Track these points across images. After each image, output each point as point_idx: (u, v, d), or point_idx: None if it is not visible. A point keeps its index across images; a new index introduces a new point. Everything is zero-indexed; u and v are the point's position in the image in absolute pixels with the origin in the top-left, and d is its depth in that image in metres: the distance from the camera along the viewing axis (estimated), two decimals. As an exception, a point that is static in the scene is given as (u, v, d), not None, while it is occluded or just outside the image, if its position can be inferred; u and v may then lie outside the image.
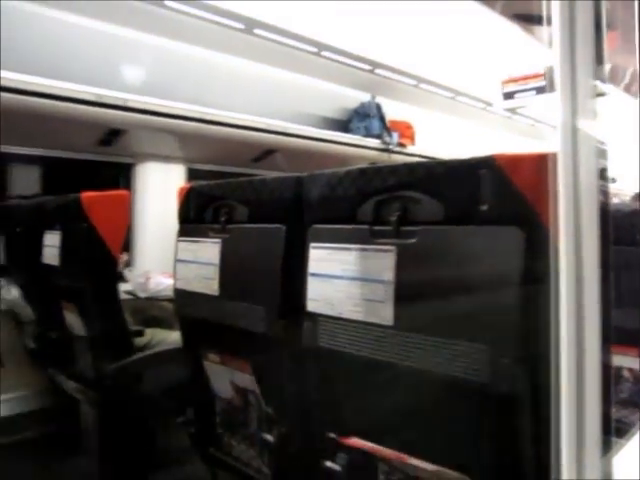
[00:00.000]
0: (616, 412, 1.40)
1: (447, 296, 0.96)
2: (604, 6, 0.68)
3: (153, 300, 2.57)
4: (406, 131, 4.30)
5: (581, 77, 0.66)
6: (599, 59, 0.68)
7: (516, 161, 0.89)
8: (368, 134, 4.03)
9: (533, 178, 0.85)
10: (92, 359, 2.04)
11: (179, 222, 1.61)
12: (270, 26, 3.18)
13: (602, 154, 0.69)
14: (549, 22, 0.68)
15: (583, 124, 0.66)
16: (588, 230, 0.65)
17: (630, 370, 1.45)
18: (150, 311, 2.57)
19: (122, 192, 2.09)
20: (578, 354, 0.65)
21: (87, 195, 1.93)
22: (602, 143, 0.69)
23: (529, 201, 0.86)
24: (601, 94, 0.68)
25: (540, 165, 0.81)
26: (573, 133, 0.66)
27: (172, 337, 2.13)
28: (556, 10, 0.67)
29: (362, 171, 1.11)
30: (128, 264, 3.05)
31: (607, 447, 0.67)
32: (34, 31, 2.56)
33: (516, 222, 0.87)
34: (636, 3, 0.63)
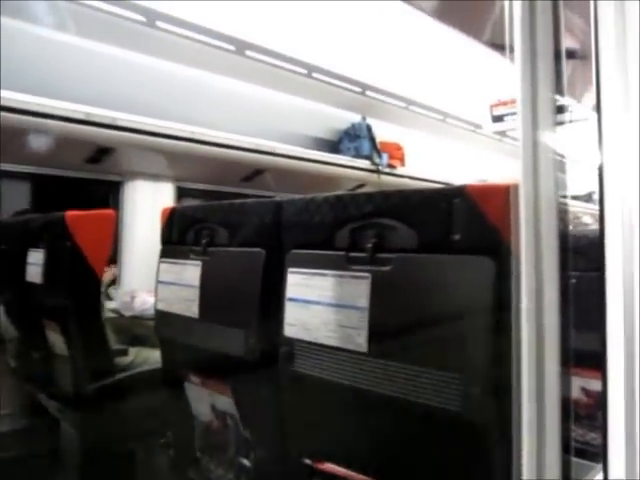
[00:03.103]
0: (599, 438, 1.39)
1: (420, 325, 0.96)
2: (563, 31, 0.70)
3: (138, 319, 2.56)
4: (396, 152, 4.32)
5: (542, 101, 0.68)
6: (559, 84, 0.70)
7: (487, 191, 0.90)
8: (358, 155, 4.05)
9: (504, 208, 0.86)
10: (73, 378, 2.02)
11: (162, 243, 1.61)
12: (261, 48, 3.22)
13: (562, 168, 0.70)
14: (511, 50, 0.70)
15: (544, 143, 0.67)
16: (547, 248, 0.67)
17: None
18: (135, 330, 2.55)
19: (107, 211, 2.09)
20: (538, 377, 0.66)
21: (71, 214, 1.93)
22: (563, 157, 0.70)
23: (500, 231, 0.87)
24: (561, 120, 0.70)
25: (511, 195, 0.82)
26: (534, 152, 0.67)
27: (156, 357, 2.12)
28: (517, 37, 0.69)
29: (339, 197, 1.12)
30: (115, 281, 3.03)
31: (568, 469, 0.68)
32: (22, 49, 2.57)
33: (487, 252, 0.88)
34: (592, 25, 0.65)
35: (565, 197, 0.70)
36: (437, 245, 0.95)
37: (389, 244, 1.02)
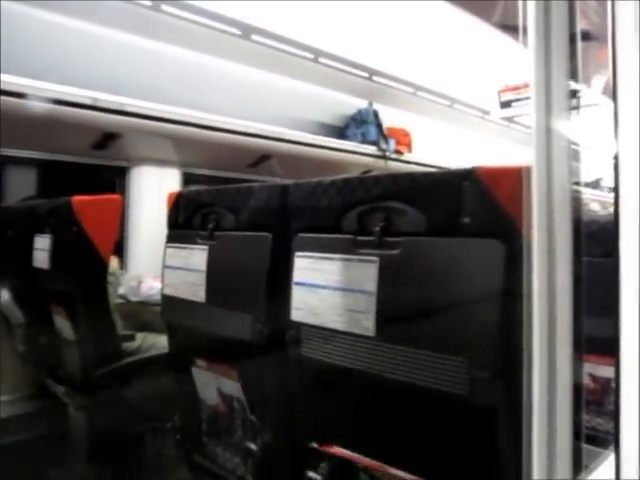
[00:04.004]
0: (605, 424, 1.39)
1: (428, 308, 0.96)
2: (578, 14, 0.68)
3: (145, 304, 2.56)
4: (403, 138, 4.29)
5: (555, 81, 0.67)
6: (574, 65, 0.68)
7: (497, 174, 0.89)
8: (365, 141, 4.03)
9: (514, 191, 0.85)
10: (80, 363, 2.03)
11: (168, 228, 1.61)
12: (267, 32, 3.19)
13: (576, 157, 0.69)
14: (525, 32, 0.68)
15: (557, 128, 0.66)
16: (560, 233, 0.66)
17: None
18: (142, 315, 2.55)
19: (113, 196, 2.09)
20: (550, 362, 0.65)
21: (78, 199, 1.93)
22: (577, 145, 0.69)
23: (510, 214, 0.86)
24: (575, 106, 0.68)
25: (521, 178, 0.81)
26: (547, 136, 0.66)
27: (163, 342, 2.12)
28: (532, 20, 0.67)
29: (347, 181, 1.11)
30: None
31: (579, 456, 0.67)
32: (32, 34, 2.56)
33: (497, 235, 0.87)
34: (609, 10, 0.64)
35: (578, 183, 0.69)
36: (446, 228, 0.94)
37: (397, 227, 1.01)
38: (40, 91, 2.36)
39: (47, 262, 2.06)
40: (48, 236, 2.07)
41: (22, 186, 3.00)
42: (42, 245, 2.10)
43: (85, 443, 2.27)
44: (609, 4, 0.64)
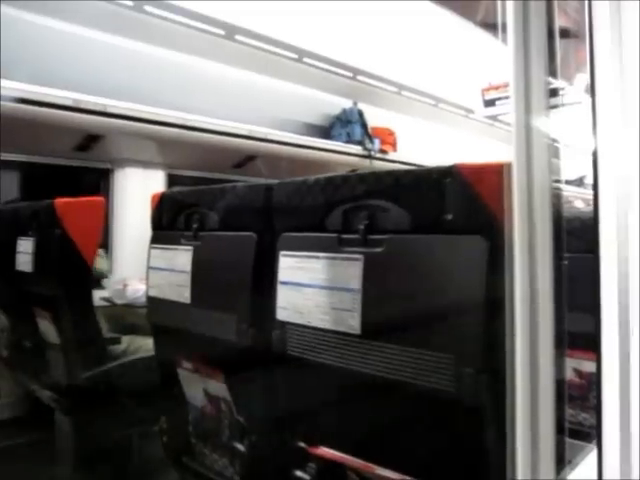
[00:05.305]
0: (590, 418, 1.40)
1: (413, 305, 0.96)
2: (557, 10, 0.69)
3: (131, 307, 2.55)
4: (388, 138, 4.30)
5: (535, 79, 0.67)
6: (554, 63, 0.69)
7: (479, 170, 0.89)
8: (350, 140, 4.03)
9: (496, 187, 0.85)
10: (65, 367, 2.01)
11: (152, 229, 1.60)
12: (251, 32, 3.18)
13: (556, 153, 0.69)
14: (504, 29, 0.69)
15: (537, 125, 0.67)
16: (541, 229, 0.66)
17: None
18: (128, 318, 2.54)
19: (97, 198, 2.07)
20: (532, 358, 0.65)
21: (61, 201, 1.91)
22: (556, 142, 0.70)
23: (492, 210, 0.86)
24: (555, 104, 0.69)
25: (503, 174, 0.81)
26: (527, 133, 0.66)
27: (149, 344, 2.11)
28: (510, 17, 0.67)
29: (330, 179, 1.11)
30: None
31: (562, 451, 0.68)
32: (12, 35, 2.53)
33: (480, 231, 0.87)
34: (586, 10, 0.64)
35: (558, 180, 0.69)
36: (429, 225, 0.94)
37: (381, 225, 1.02)
38: (20, 92, 2.34)
39: (30, 265, 2.04)
40: (31, 239, 2.05)
41: (4, 189, 2.96)
42: (25, 248, 2.08)
43: (72, 447, 2.25)
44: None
